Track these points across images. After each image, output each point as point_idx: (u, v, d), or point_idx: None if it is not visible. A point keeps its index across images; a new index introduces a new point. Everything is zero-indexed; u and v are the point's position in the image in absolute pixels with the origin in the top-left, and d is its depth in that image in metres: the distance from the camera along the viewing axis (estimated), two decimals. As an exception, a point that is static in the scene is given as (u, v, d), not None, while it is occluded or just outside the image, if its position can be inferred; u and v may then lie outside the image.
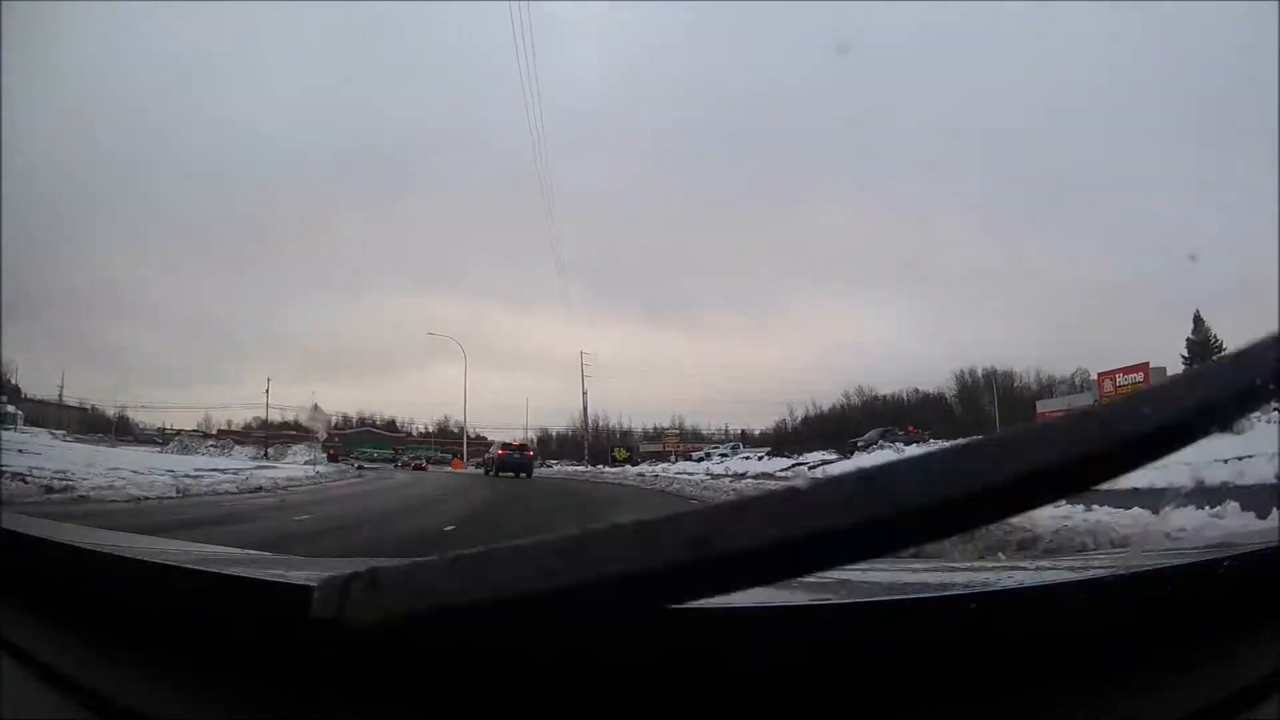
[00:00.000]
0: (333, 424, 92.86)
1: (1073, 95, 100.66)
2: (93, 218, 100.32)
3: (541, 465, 69.06)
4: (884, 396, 75.94)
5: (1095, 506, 6.50)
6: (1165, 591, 1.02)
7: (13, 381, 77.16)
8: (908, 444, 30.48)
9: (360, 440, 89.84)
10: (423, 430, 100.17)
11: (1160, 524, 5.91)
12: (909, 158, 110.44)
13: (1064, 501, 5.73)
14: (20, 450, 15.81)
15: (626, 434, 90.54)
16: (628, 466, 56.16)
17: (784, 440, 65.90)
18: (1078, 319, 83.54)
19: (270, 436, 76.37)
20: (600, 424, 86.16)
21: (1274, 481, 7.34)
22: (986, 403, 68.48)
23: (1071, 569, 1.63)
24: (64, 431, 61.66)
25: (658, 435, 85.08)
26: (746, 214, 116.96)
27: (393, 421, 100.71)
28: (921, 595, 1.25)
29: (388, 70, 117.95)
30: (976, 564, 2.66)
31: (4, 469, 11.43)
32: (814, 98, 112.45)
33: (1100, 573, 1.19)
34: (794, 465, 29.36)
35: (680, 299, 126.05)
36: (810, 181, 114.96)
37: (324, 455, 63.25)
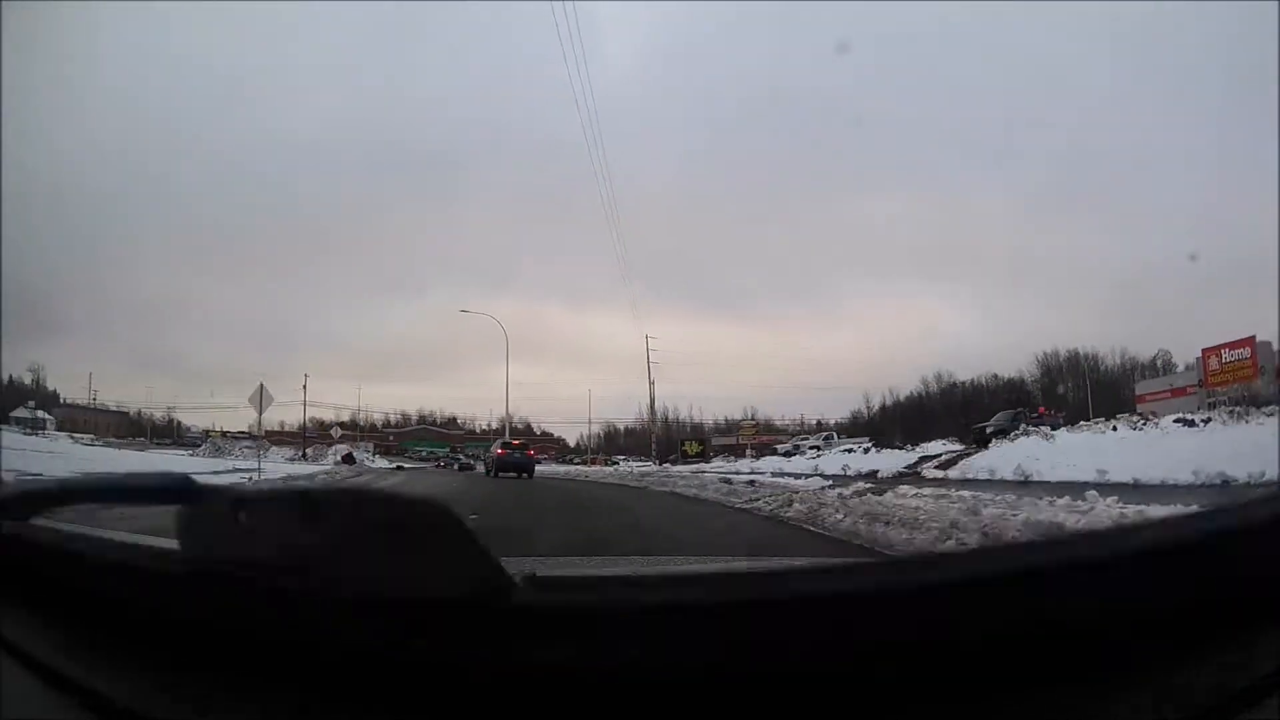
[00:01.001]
0: (387, 422, 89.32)
1: (1142, 74, 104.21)
2: (146, 227, 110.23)
3: (607, 463, 63.68)
4: (963, 383, 75.29)
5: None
6: (1165, 591, 0.99)
7: (42, 385, 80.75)
8: (1054, 428, 27.71)
9: (418, 438, 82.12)
10: (484, 427, 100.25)
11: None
12: (971, 146, 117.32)
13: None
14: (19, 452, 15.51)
15: (697, 427, 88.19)
16: (702, 463, 49.00)
17: (861, 430, 64.71)
18: (1149, 300, 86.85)
19: (309, 437, 75.47)
20: (669, 417, 79.41)
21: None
22: (1071, 387, 66.84)
23: (1072, 567, 1.37)
24: (91, 435, 63.21)
25: (730, 428, 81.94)
26: (805, 205, 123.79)
27: (453, 419, 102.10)
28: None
29: (433, 72, 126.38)
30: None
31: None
32: (871, 87, 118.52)
33: (1099, 571, 1.08)
34: (920, 461, 26.98)
35: (741, 292, 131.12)
36: (870, 172, 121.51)
37: (368, 455, 65.73)
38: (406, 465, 55.98)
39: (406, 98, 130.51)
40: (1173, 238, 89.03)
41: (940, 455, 26.76)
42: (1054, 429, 26.21)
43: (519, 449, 33.54)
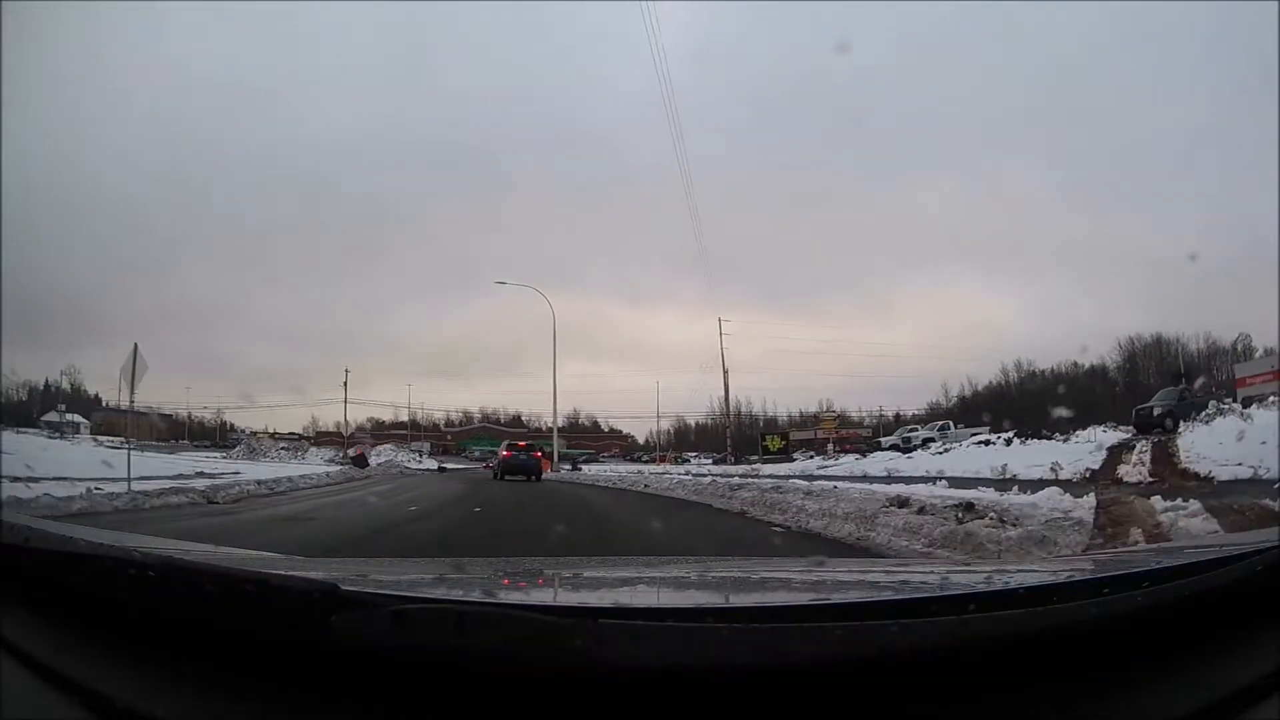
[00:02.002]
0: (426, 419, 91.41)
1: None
2: (203, 232, 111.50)
3: (676, 461, 57.52)
4: (1043, 371, 71.71)
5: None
6: (1165, 592, 1.05)
7: (80, 389, 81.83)
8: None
9: (478, 437, 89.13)
10: (549, 425, 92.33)
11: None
12: (1020, 130, 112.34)
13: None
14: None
15: (770, 421, 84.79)
16: (786, 461, 41.61)
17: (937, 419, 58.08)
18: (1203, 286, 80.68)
19: (352, 438, 74.63)
20: (741, 411, 73.68)
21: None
22: (1154, 372, 62.61)
23: (1071, 569, 1.67)
24: (121, 438, 53.39)
25: (805, 421, 77.65)
26: (858, 197, 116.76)
27: (517, 417, 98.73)
28: (921, 595, 1.33)
29: (485, 70, 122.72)
30: (976, 564, 3.11)
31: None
32: (938, 69, 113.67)
33: (1100, 573, 1.26)
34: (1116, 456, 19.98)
35: (800, 284, 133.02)
36: (930, 159, 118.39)
37: (415, 456, 63.29)
38: (449, 466, 50.76)
39: (458, 96, 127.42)
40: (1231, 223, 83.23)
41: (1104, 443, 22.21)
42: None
43: (525, 450, 33.70)
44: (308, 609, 0.96)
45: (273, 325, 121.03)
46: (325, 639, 0.92)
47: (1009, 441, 28.15)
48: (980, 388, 76.01)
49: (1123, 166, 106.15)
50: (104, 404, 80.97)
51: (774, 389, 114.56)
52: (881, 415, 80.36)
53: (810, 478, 17.43)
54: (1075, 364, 69.45)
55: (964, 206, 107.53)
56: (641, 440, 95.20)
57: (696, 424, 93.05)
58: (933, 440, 41.39)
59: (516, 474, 30.15)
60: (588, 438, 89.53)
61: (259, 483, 19.05)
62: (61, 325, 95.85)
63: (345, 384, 73.22)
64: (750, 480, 17.78)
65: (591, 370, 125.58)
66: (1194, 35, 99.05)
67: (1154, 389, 47.89)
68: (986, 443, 29.57)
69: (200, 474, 19.76)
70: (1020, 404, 52.97)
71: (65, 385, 78.68)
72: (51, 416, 61.48)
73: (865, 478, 18.14)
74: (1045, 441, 27.51)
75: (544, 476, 31.59)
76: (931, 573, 1.95)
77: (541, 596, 1.66)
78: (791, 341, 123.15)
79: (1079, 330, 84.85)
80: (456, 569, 2.20)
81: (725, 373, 61.72)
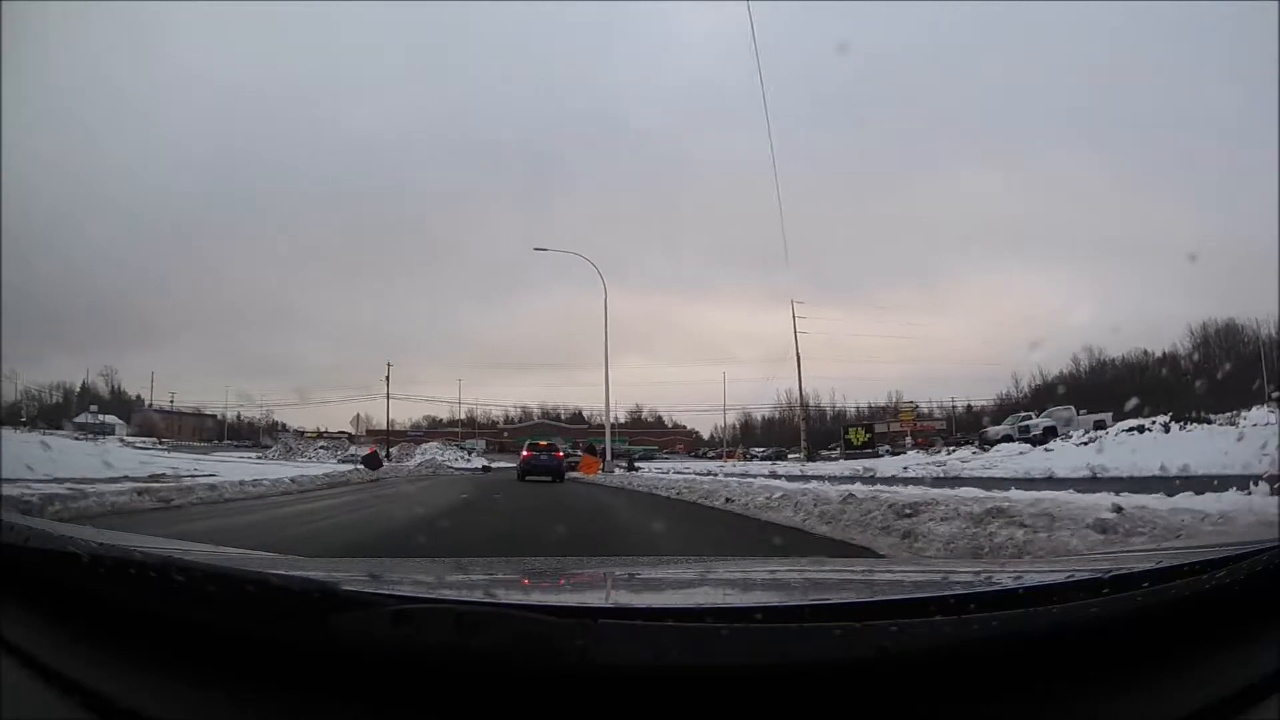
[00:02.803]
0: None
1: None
2: (260, 233, 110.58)
3: (745, 457, 53.32)
4: (1113, 360, 70.86)
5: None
6: (1165, 591, 1.06)
7: (119, 390, 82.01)
8: None
9: (536, 434, 76.48)
10: (612, 422, 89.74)
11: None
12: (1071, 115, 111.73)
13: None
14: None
15: (840, 415, 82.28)
16: (873, 458, 36.70)
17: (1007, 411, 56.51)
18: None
19: (392, 436, 74.22)
20: (812, 403, 70.35)
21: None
22: (1220, 361, 59.46)
23: (1072, 569, 1.67)
24: (155, 439, 63.60)
25: (875, 414, 75.58)
26: (916, 185, 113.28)
27: (578, 413, 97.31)
28: (921, 595, 1.34)
29: (536, 71, 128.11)
30: (976, 564, 3.01)
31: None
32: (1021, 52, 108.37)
33: (1100, 573, 1.24)
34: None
35: (857, 276, 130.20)
36: (980, 146, 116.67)
37: (464, 455, 62.43)
38: (500, 465, 47.56)
39: (514, 97, 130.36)
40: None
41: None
42: None
43: (546, 450, 33.31)
44: (308, 609, 0.98)
45: (327, 326, 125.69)
46: (325, 639, 0.95)
47: (1166, 428, 23.06)
48: (1050, 377, 73.63)
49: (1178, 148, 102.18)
50: (146, 405, 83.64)
51: (838, 381, 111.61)
52: (954, 407, 77.90)
53: (984, 486, 9.35)
54: (1145, 351, 68.63)
55: (1019, 195, 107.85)
56: (706, 435, 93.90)
57: (763, 418, 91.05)
58: (1053, 429, 36.45)
59: (539, 475, 29.89)
60: (651, 433, 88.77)
61: (213, 487, 15.64)
62: (107, 328, 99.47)
63: (387, 378, 72.41)
64: (914, 498, 8.30)
65: (652, 366, 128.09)
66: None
67: (1230, 376, 46.79)
68: (1139, 429, 24.06)
69: (153, 476, 16.79)
70: (1096, 393, 51.08)
71: (102, 387, 79.38)
72: (85, 418, 62.67)
73: (1050, 481, 13.53)
74: (1205, 426, 22.09)
75: (591, 479, 30.57)
76: (931, 573, 2.05)
77: (541, 596, 1.65)
78: (852, 333, 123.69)
79: (1144, 318, 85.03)
80: (456, 569, 2.22)
81: (798, 361, 57.93)
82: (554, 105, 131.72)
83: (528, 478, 29.53)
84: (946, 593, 1.30)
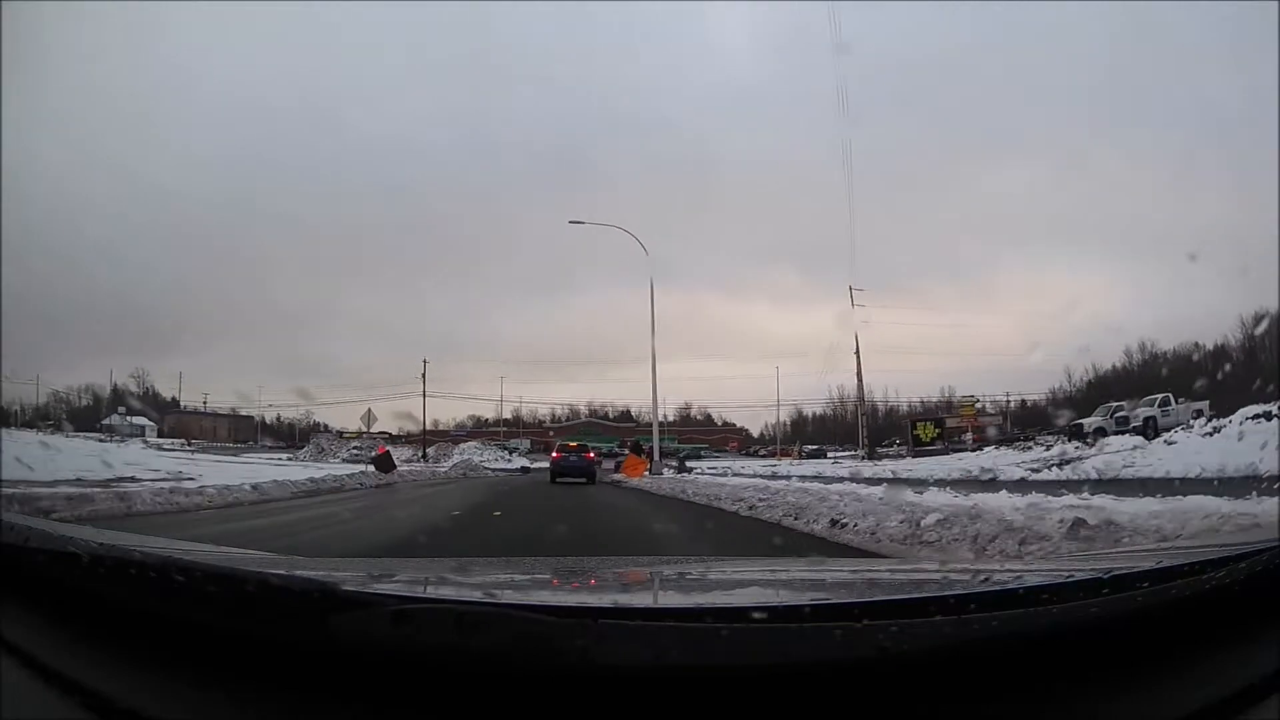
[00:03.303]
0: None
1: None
2: (301, 235, 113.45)
3: (800, 455, 50.76)
4: (1165, 353, 67.05)
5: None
6: (1165, 591, 1.06)
7: (151, 392, 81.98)
8: None
9: (583, 432, 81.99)
10: (660, 419, 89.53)
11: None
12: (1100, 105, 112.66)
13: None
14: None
15: (890, 412, 78.94)
16: (941, 455, 33.71)
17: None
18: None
19: (431, 436, 73.00)
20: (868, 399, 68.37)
21: None
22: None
23: (1072, 569, 1.67)
24: (184, 440, 64.11)
25: (928, 410, 70.70)
26: (950, 179, 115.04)
27: (626, 411, 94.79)
28: (921, 595, 1.36)
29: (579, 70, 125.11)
30: (977, 564, 3.02)
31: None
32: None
33: (1100, 573, 1.24)
34: None
35: (901, 272, 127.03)
36: (1022, 139, 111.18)
37: (504, 454, 61.35)
38: (542, 465, 45.42)
39: (553, 97, 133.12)
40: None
41: None
42: None
43: (576, 451, 33.07)
44: (308, 609, 1.00)
45: (371, 326, 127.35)
46: (325, 639, 0.97)
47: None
48: (1103, 371, 72.21)
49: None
50: (183, 407, 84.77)
51: (888, 376, 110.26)
52: (1008, 402, 75.46)
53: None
54: (1196, 343, 64.95)
55: (1063, 188, 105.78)
56: (755, 433, 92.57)
57: (814, 414, 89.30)
58: (1152, 420, 33.21)
59: (569, 476, 29.68)
60: (700, 431, 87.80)
61: (158, 493, 13.92)
62: (148, 331, 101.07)
63: (423, 375, 70.43)
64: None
65: (700, 363, 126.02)
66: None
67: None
68: (1266, 416, 20.48)
69: (122, 479, 15.77)
70: (1152, 387, 47.93)
71: (134, 389, 79.85)
72: (114, 419, 62.09)
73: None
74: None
75: (636, 483, 28.84)
76: (931, 573, 2.06)
77: (542, 596, 1.67)
78: (901, 324, 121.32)
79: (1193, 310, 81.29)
80: (457, 569, 2.23)
81: (857, 349, 54.20)
82: (593, 105, 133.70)
83: (560, 480, 29.37)
84: (946, 593, 1.33)
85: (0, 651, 1.08)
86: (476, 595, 1.54)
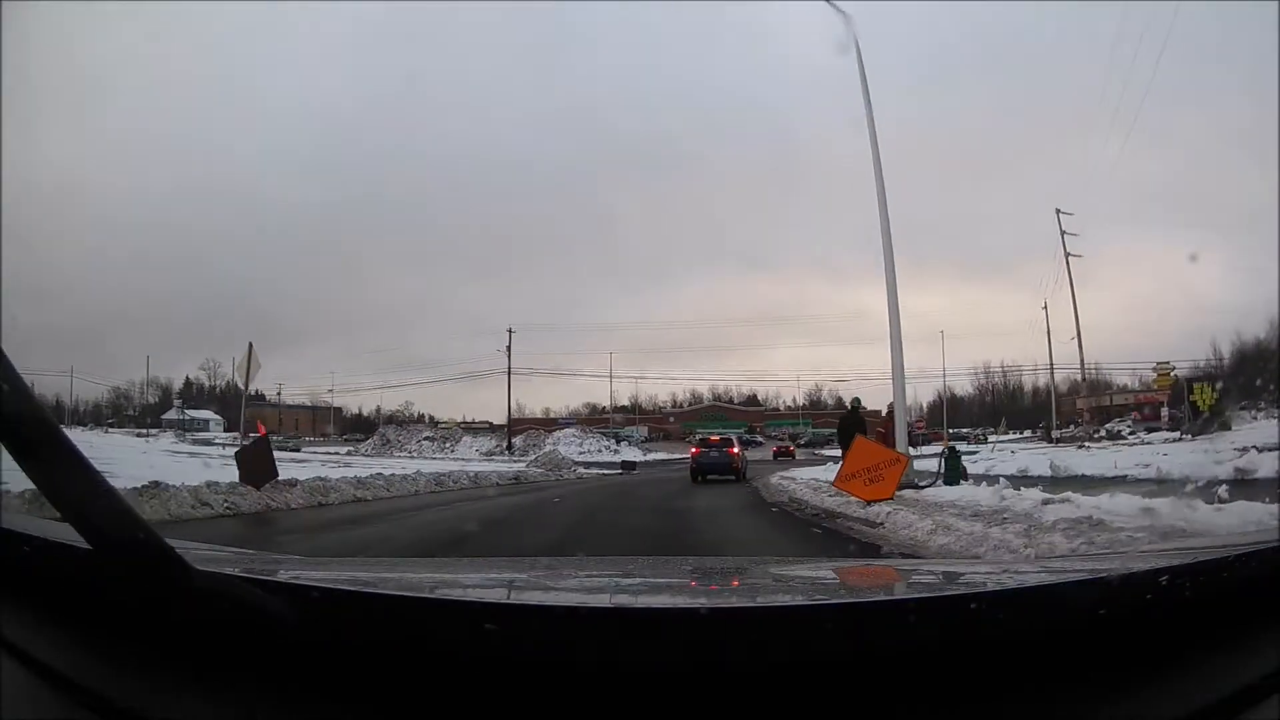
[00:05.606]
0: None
1: None
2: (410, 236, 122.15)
3: (993, 446, 47.18)
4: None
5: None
6: (1165, 591, 1.06)
7: (225, 384, 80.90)
8: None
9: (707, 418, 79.65)
10: (789, 404, 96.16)
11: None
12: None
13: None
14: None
15: (1036, 391, 76.11)
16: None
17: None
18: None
19: (516, 425, 65.45)
20: (1009, 382, 62.97)
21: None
22: None
23: (1072, 569, 1.68)
24: (239, 435, 54.44)
25: (1095, 387, 64.65)
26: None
27: (753, 396, 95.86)
28: (922, 595, 1.37)
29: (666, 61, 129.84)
30: (976, 564, 2.92)
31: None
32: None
33: (1100, 573, 1.24)
34: None
35: (994, 252, 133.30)
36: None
37: (611, 445, 55.92)
38: (662, 457, 37.63)
39: (646, 90, 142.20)
40: None
41: None
42: None
43: (718, 446, 29.22)
44: (308, 609, 1.02)
45: (465, 318, 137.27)
46: (325, 639, 0.99)
47: None
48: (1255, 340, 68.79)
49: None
50: (262, 398, 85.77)
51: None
52: (1175, 376, 71.96)
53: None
54: None
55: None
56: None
57: (953, 395, 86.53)
58: None
59: (710, 473, 27.75)
60: (834, 416, 78.27)
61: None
62: (238, 328, 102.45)
63: (509, 348, 64.27)
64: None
65: (823, 348, 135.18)
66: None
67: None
68: None
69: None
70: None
71: (205, 382, 77.00)
72: (171, 414, 57.11)
73: None
74: None
75: (886, 510, 22.93)
76: (932, 573, 1.98)
77: (544, 596, 1.67)
78: (995, 313, 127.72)
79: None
80: (460, 569, 2.28)
81: (1071, 285, 42.55)
82: (706, 97, 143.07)
83: (704, 478, 27.42)
84: (947, 593, 1.35)
85: (0, 652, 1.10)
86: (478, 595, 1.50)
